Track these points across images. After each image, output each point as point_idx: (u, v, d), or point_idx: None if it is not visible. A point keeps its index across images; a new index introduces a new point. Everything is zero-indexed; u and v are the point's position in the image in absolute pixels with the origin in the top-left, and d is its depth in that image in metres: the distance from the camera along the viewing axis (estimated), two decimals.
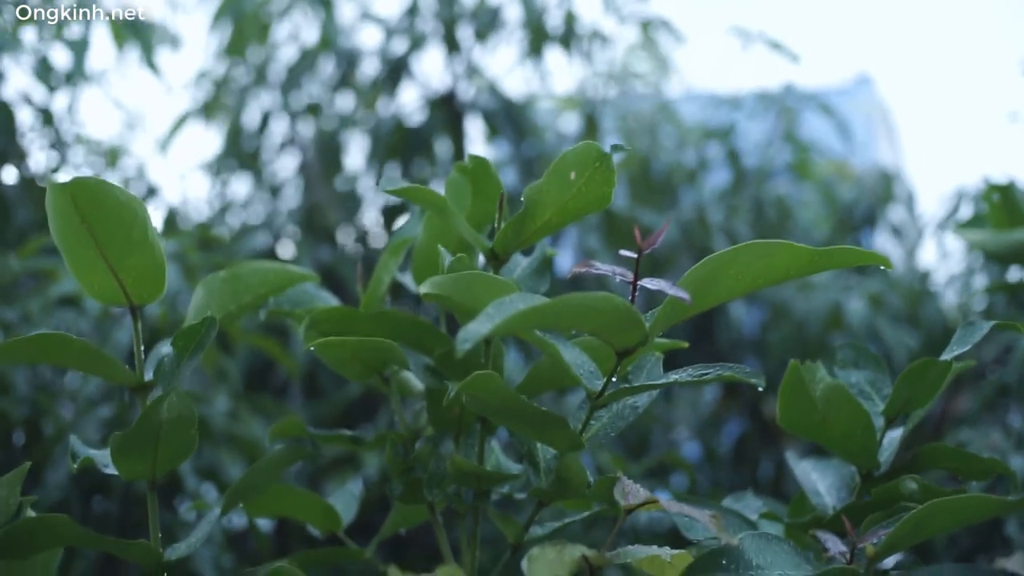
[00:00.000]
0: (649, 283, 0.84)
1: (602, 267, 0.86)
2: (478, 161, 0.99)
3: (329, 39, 2.76)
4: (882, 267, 0.84)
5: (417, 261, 1.07)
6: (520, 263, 1.04)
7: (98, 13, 2.21)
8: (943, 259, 2.88)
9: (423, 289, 0.85)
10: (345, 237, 2.89)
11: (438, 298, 0.87)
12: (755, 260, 0.83)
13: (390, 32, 2.83)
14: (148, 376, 0.94)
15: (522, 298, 0.80)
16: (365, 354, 1.01)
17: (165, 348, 0.94)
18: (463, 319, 0.94)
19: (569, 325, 0.85)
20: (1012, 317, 1.91)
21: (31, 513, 0.93)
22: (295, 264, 2.52)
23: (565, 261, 2.91)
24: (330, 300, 1.10)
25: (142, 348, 0.95)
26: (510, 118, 2.79)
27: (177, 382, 0.89)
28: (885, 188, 3.10)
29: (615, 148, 0.92)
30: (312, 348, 0.96)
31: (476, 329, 0.76)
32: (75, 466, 0.94)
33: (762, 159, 3.20)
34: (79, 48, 2.17)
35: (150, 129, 2.52)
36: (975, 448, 1.92)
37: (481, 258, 1.01)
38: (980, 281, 2.45)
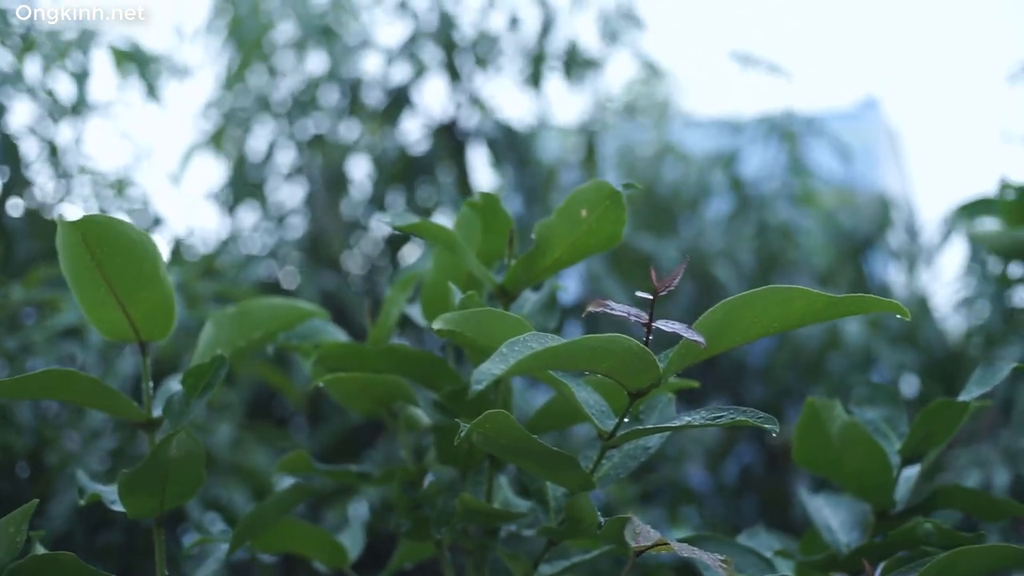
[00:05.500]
0: (665, 325, 0.83)
1: (618, 308, 0.85)
2: (488, 197, 0.99)
3: (334, 71, 2.76)
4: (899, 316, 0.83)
5: (426, 296, 1.06)
6: (529, 299, 1.04)
7: (100, 41, 2.21)
8: (942, 282, 2.88)
9: (436, 325, 0.84)
10: (349, 264, 2.89)
11: (451, 334, 0.86)
12: (771, 305, 0.82)
13: (392, 60, 2.84)
14: (156, 412, 0.94)
15: (536, 338, 0.79)
16: (373, 390, 1.00)
17: (174, 385, 0.93)
18: (474, 355, 0.94)
19: (583, 366, 0.84)
20: (1007, 334, 1.92)
21: (40, 549, 0.92)
22: (298, 292, 2.55)
23: (570, 287, 2.90)
24: (338, 335, 1.09)
25: (150, 384, 0.94)
26: (512, 146, 2.80)
27: (186, 420, 0.88)
28: (883, 213, 3.09)
29: (627, 186, 0.91)
30: (321, 384, 0.96)
31: (490, 369, 0.76)
32: (83, 501, 0.93)
33: (765, 186, 3.19)
34: (81, 77, 2.17)
35: (156, 159, 2.51)
36: (963, 464, 1.92)
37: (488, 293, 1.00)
38: (982, 304, 2.44)
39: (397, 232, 2.77)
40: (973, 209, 1.70)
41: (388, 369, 0.99)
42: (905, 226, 3.15)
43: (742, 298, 0.81)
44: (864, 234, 3.10)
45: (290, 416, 2.68)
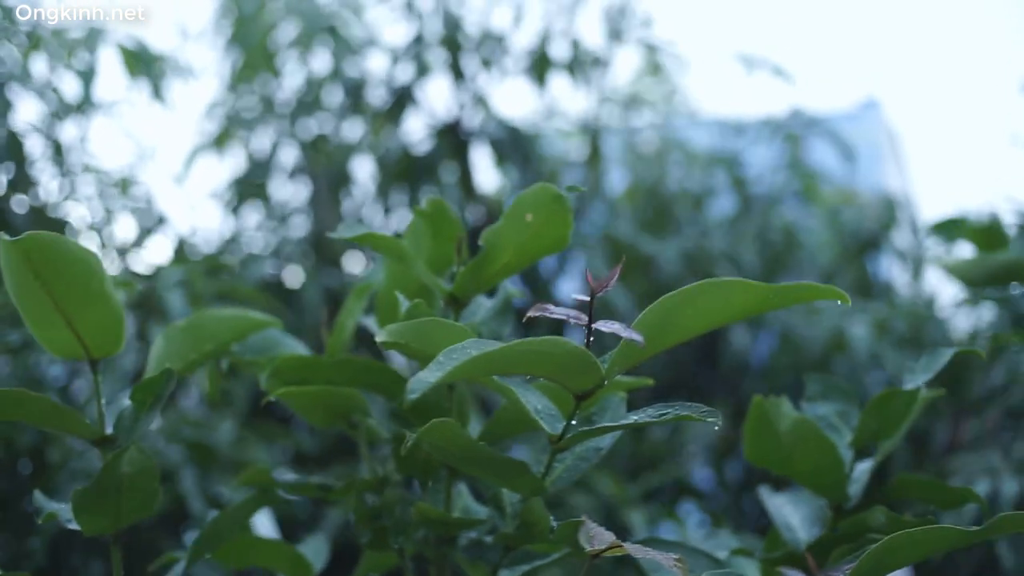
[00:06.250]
0: (603, 326, 0.83)
1: (557, 311, 0.85)
2: (436, 204, 0.99)
3: (337, 70, 2.77)
4: (839, 302, 0.83)
5: (379, 306, 1.07)
6: (483, 305, 1.04)
7: (107, 39, 2.23)
8: (946, 282, 2.85)
9: (380, 337, 0.84)
10: (353, 264, 2.90)
11: (396, 345, 0.86)
12: (711, 299, 0.82)
13: (396, 59, 2.84)
14: (109, 430, 0.94)
15: (475, 344, 0.79)
16: (328, 401, 1.00)
17: (125, 401, 0.93)
18: (423, 365, 0.94)
19: (523, 370, 0.84)
20: (1013, 335, 1.90)
21: None
22: (302, 291, 2.55)
23: (572, 288, 2.89)
24: (296, 346, 1.10)
25: (103, 401, 0.95)
26: (516, 146, 2.79)
27: (137, 435, 0.88)
28: (888, 213, 3.06)
29: (570, 189, 0.92)
30: (275, 397, 0.96)
31: (426, 377, 0.76)
32: (40, 520, 0.94)
33: (768, 186, 3.17)
34: (87, 77, 2.18)
35: (161, 158, 2.52)
36: (972, 470, 1.91)
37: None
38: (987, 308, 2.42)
39: (400, 231, 2.78)
40: (945, 228, 1.70)
41: (343, 381, 0.99)
42: (910, 226, 3.13)
43: (681, 293, 0.81)
44: (868, 234, 3.08)
45: (292, 414, 2.69)
